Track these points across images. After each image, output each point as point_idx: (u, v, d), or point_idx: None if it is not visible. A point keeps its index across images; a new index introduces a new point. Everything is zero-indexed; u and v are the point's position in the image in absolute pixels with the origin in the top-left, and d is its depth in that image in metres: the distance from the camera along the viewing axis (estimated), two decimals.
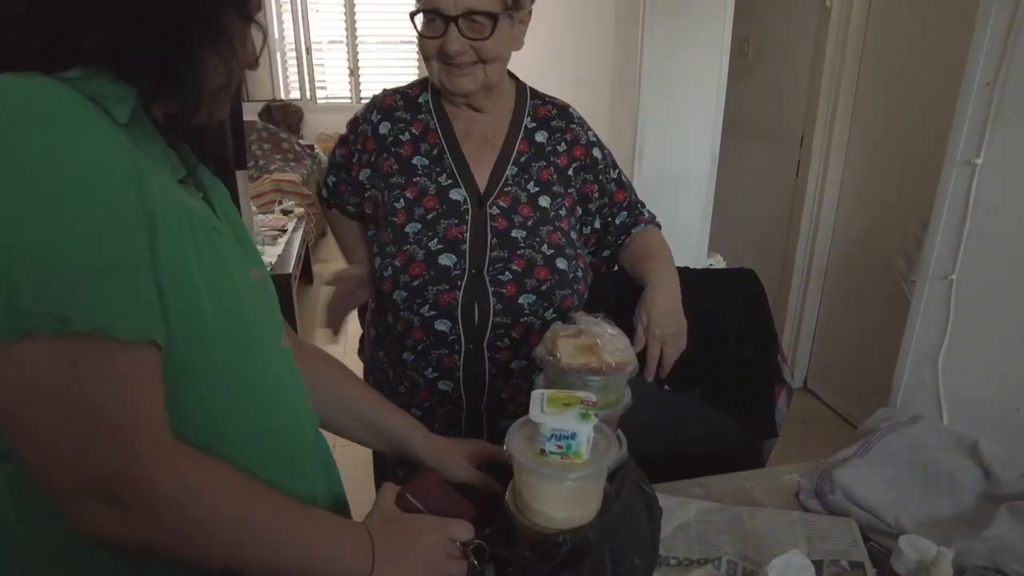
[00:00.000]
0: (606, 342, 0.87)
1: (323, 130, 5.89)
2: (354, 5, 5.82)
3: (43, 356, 0.52)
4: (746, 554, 0.93)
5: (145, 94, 0.61)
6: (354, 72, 6.05)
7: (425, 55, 1.10)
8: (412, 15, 1.08)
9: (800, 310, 3.07)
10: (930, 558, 0.82)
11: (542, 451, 0.76)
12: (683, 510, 1.01)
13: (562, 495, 0.77)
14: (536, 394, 0.80)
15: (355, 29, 5.90)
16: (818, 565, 0.90)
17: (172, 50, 0.61)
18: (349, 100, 6.09)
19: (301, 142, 5.36)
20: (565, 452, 0.76)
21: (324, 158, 5.54)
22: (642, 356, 1.14)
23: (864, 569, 0.90)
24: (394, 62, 6.05)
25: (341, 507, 0.84)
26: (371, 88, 6.04)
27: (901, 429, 1.12)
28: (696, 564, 0.91)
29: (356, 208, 1.26)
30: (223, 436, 0.66)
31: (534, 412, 0.77)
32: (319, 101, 6.07)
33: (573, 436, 0.75)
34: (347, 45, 5.95)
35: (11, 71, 0.56)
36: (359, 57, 6.01)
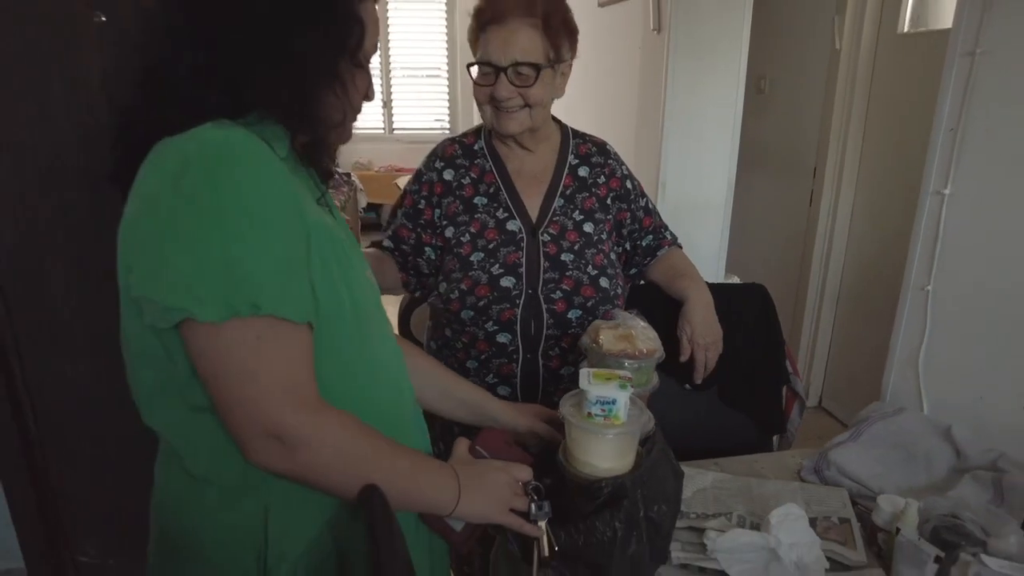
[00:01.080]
0: (639, 333, 1.08)
1: (358, 159, 6.18)
2: (388, 38, 6.12)
3: (239, 333, 0.71)
4: (753, 511, 1.12)
5: (291, 131, 0.82)
6: (387, 104, 6.35)
7: (479, 101, 1.29)
8: (468, 67, 1.28)
9: (815, 332, 3.18)
10: (900, 509, 1.01)
11: (588, 414, 0.96)
12: (701, 478, 1.21)
13: (604, 448, 0.97)
14: (584, 371, 1.00)
15: (389, 62, 6.20)
16: (812, 521, 1.09)
17: (299, 94, 0.80)
18: (382, 131, 6.39)
19: (338, 170, 5.65)
20: (607, 415, 0.96)
21: (359, 185, 5.84)
22: (684, 364, 1.33)
23: (850, 523, 1.09)
24: (425, 94, 6.36)
25: None
26: (403, 119, 6.34)
27: (888, 418, 1.31)
28: (711, 517, 1.11)
29: (432, 250, 1.38)
30: (348, 402, 0.84)
31: (583, 383, 0.97)
32: (354, 132, 6.36)
33: (613, 402, 0.96)
34: (380, 77, 6.24)
35: (205, 118, 0.76)
36: (392, 89, 6.31)
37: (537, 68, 1.23)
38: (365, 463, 0.80)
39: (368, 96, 0.90)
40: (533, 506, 0.93)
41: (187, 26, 0.77)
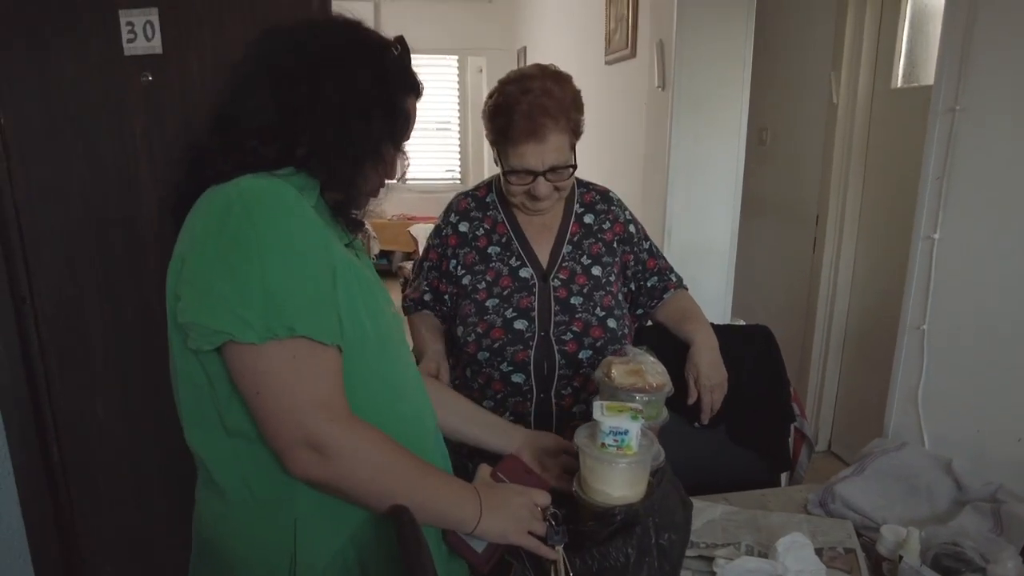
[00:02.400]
0: (649, 368, 1.14)
1: (370, 208, 6.34)
2: None
3: (277, 352, 0.80)
4: (761, 541, 1.16)
5: (323, 186, 0.93)
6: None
7: (513, 194, 1.38)
8: (505, 173, 1.36)
9: (822, 376, 3.18)
10: (903, 538, 1.05)
11: (602, 444, 1.02)
12: (710, 510, 1.25)
13: (617, 477, 1.02)
14: (597, 404, 1.06)
15: None
16: (819, 552, 1.13)
17: (347, 165, 0.92)
18: (395, 180, 6.55)
19: None
20: (619, 445, 1.02)
21: (372, 232, 5.98)
22: (692, 405, 1.38)
23: (855, 553, 1.13)
24: (437, 145, 6.55)
25: None
26: (415, 170, 6.44)
27: (890, 452, 1.36)
28: (721, 547, 1.15)
29: (450, 298, 1.46)
30: (371, 422, 0.91)
31: (596, 415, 1.03)
32: None
33: (625, 432, 1.01)
34: None
35: (251, 168, 0.86)
36: None
37: (570, 164, 1.34)
38: (392, 473, 0.87)
39: (392, 175, 1.01)
40: (551, 530, 0.98)
41: (267, 91, 0.88)
